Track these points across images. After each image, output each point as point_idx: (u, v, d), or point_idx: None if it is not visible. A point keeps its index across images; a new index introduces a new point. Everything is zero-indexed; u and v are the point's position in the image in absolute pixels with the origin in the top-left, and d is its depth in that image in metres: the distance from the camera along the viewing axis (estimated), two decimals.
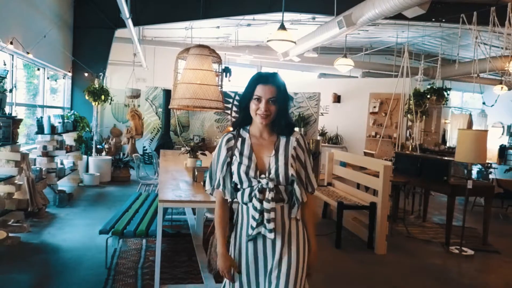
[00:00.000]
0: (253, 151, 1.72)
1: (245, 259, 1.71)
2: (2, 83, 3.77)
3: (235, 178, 1.70)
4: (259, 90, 1.68)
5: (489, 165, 9.32)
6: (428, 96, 8.70)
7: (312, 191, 1.80)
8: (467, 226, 5.54)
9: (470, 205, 6.78)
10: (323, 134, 10.67)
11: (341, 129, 10.77)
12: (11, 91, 4.30)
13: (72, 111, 7.34)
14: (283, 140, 1.74)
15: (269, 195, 1.64)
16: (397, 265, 4.03)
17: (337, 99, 11.03)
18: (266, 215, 1.64)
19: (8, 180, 3.99)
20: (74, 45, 8.00)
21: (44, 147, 5.59)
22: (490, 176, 7.49)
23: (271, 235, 1.64)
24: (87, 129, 7.40)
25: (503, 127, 14.37)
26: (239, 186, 1.72)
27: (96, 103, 7.45)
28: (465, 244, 4.59)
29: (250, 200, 1.67)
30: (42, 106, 6.83)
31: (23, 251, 3.77)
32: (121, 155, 8.45)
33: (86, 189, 6.73)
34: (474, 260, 4.30)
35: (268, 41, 6.09)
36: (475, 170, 8.22)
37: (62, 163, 6.30)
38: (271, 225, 1.64)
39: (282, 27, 5.90)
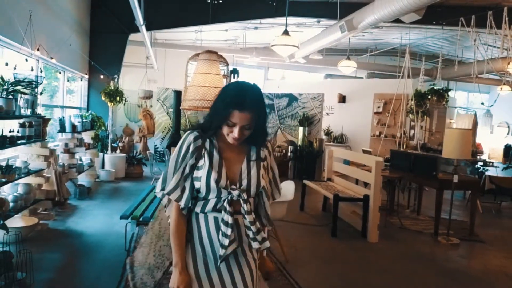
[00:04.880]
0: (222, 157, 1.53)
1: (210, 278, 1.51)
2: (35, 87, 4.24)
3: (202, 185, 1.49)
4: (235, 117, 1.45)
5: (491, 163, 9.61)
6: (429, 96, 9.02)
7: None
8: (459, 219, 5.91)
9: (466, 200, 7.12)
10: (328, 133, 11.00)
11: (346, 129, 11.10)
12: (41, 93, 4.79)
13: (90, 111, 7.85)
14: (254, 149, 1.58)
15: (246, 206, 1.49)
16: (386, 252, 4.40)
17: (342, 99, 11.37)
18: (253, 227, 1.50)
19: (38, 172, 4.48)
20: (90, 49, 8.51)
21: (66, 144, 6.08)
22: (487, 173, 7.77)
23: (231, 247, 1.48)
24: (103, 128, 7.90)
25: (508, 127, 14.51)
26: (203, 195, 1.51)
27: (112, 103, 7.94)
28: (453, 234, 4.95)
29: (213, 211, 1.51)
30: (63, 107, 7.34)
31: (52, 236, 4.25)
32: (134, 153, 8.94)
33: (102, 184, 7.22)
34: (460, 248, 4.66)
35: (272, 45, 6.49)
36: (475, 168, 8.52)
37: (81, 160, 6.80)
38: (256, 244, 1.52)
39: (286, 32, 6.31)
